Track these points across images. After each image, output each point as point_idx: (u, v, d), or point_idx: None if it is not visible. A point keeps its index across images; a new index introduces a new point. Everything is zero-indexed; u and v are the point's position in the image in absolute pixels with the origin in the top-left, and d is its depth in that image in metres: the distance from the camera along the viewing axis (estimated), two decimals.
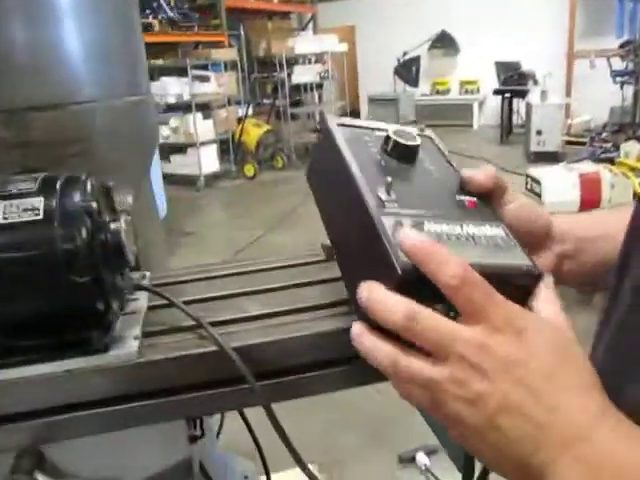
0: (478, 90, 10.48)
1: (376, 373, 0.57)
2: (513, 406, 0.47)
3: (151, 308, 0.87)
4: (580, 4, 9.22)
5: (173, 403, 0.74)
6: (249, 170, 7.66)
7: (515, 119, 9.13)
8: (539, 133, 7.29)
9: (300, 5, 10.56)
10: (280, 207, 6.23)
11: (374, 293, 0.51)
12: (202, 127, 7.19)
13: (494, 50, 9.50)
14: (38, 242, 0.67)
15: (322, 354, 0.78)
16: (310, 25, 11.05)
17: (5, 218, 0.67)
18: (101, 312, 0.72)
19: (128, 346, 0.74)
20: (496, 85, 9.08)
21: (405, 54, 10.31)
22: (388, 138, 0.69)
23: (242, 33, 8.52)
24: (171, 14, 6.46)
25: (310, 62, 8.84)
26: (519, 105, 8.93)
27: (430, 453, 1.98)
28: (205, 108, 7.39)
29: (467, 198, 0.66)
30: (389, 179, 0.61)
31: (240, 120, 7.69)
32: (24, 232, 0.67)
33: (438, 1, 10.38)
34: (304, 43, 8.26)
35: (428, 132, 0.81)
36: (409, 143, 0.69)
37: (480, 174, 0.65)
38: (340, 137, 0.71)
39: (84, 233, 0.67)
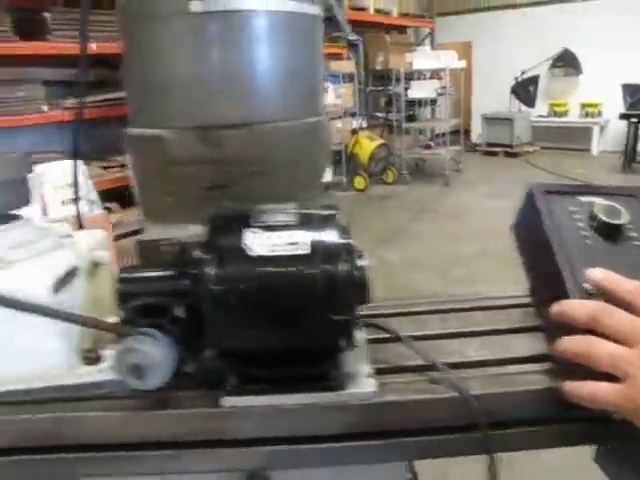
0: (600, 113, 9.99)
1: (582, 436, 0.73)
2: None
3: (368, 342, 0.86)
4: None
5: (403, 445, 0.73)
6: (359, 182, 7.69)
7: None
8: None
9: (418, 19, 10.51)
10: (390, 222, 6.20)
11: (563, 304, 0.65)
12: None
13: (621, 71, 9.03)
14: (302, 277, 0.67)
15: (544, 410, 0.75)
16: (427, 40, 10.97)
17: (271, 250, 0.68)
18: (343, 349, 0.72)
19: (364, 385, 0.74)
20: (621, 109, 8.62)
21: (523, 73, 10.03)
22: (594, 215, 0.70)
23: (360, 46, 8.59)
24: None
25: (425, 77, 8.77)
26: None
27: None
28: None
29: None
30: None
31: (354, 132, 7.73)
32: (289, 266, 0.68)
33: (561, 18, 10.00)
34: (423, 58, 8.20)
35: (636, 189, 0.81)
36: (616, 222, 0.70)
37: None
38: (545, 213, 0.73)
39: (345, 271, 0.67)
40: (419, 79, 8.69)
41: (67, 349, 0.80)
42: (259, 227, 0.71)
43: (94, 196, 4.27)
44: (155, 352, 0.68)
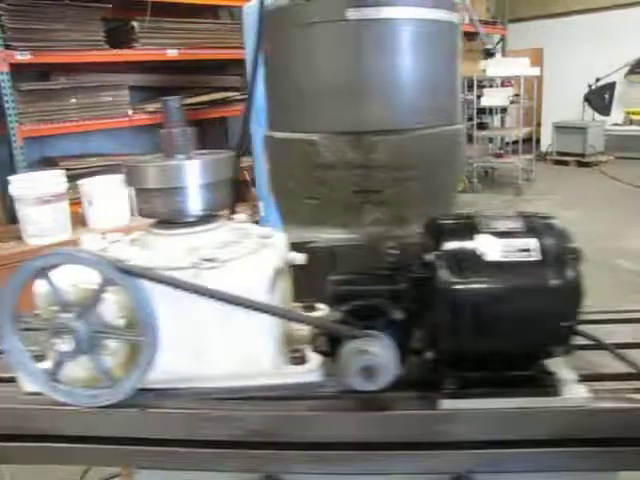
0: None
1: None
2: None
3: None
4: None
5: (616, 453, 0.73)
6: None
7: None
8: None
9: (490, 26, 10.36)
10: None
11: None
12: None
13: None
14: (536, 283, 0.69)
15: None
16: (498, 47, 10.79)
17: (504, 256, 0.70)
18: (559, 354, 0.73)
19: (576, 391, 0.75)
20: None
21: (598, 80, 9.74)
22: None
23: None
24: None
25: (496, 85, 8.63)
26: None
27: None
28: None
29: None
30: None
31: None
32: (524, 272, 0.70)
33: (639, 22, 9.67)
34: (496, 65, 8.07)
35: None
36: None
37: None
38: None
39: (573, 278, 0.68)
40: (490, 87, 8.56)
41: (275, 349, 0.83)
42: (489, 233, 0.73)
43: None
44: (385, 354, 0.70)
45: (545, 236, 0.71)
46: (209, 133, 6.48)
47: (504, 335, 0.71)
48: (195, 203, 0.85)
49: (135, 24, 4.90)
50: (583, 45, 10.22)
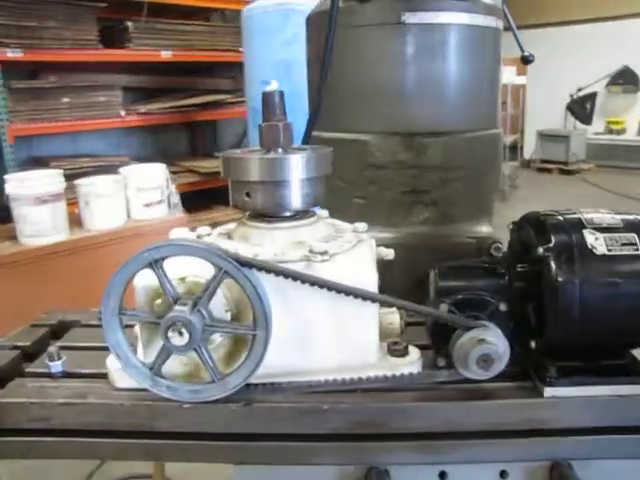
0: None
1: None
2: None
3: None
4: None
5: None
6: None
7: None
8: None
9: None
10: None
11: None
12: None
13: None
14: (636, 274, 0.70)
15: None
16: None
17: (609, 250, 0.72)
18: None
19: None
20: None
21: (579, 90, 9.92)
22: None
23: None
24: None
25: None
26: None
27: None
28: None
29: None
30: None
31: None
32: (629, 265, 0.71)
33: (620, 34, 9.88)
34: None
35: None
36: None
37: None
38: None
39: None
40: None
41: (378, 341, 0.82)
42: (593, 228, 0.74)
43: (177, 199, 4.33)
44: (501, 343, 0.71)
45: None
46: (199, 135, 6.46)
47: (611, 325, 0.73)
48: (298, 197, 0.84)
49: (129, 24, 4.85)
50: (566, 56, 10.40)
